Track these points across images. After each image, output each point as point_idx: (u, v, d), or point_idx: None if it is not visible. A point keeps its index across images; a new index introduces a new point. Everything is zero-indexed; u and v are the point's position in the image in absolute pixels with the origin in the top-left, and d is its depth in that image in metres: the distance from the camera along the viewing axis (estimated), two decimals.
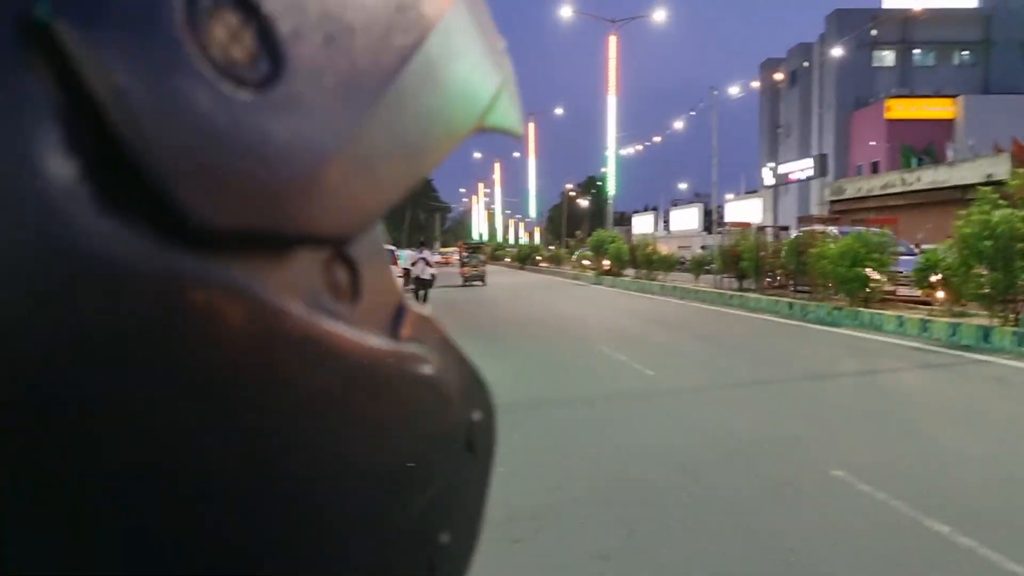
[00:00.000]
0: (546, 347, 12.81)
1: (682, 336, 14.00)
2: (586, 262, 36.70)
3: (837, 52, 59.39)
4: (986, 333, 10.50)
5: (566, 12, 32.10)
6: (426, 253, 21.49)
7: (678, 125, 43.32)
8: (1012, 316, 10.11)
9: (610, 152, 33.43)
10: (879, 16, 59.23)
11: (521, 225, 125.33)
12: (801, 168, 42.29)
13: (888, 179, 35.08)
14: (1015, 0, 60.70)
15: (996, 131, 49.09)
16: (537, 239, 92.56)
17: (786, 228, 25.29)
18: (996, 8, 59.82)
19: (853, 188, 37.36)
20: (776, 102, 73.65)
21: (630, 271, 31.88)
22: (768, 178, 46.42)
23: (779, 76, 63.83)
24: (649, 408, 7.84)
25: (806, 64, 62.37)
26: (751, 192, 62.06)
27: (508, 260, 70.81)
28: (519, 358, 11.45)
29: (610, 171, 33.77)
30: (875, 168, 52.67)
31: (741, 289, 20.61)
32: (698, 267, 24.24)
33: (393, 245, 20.38)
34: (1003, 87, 56.62)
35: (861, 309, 13.84)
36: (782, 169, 44.71)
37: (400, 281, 14.50)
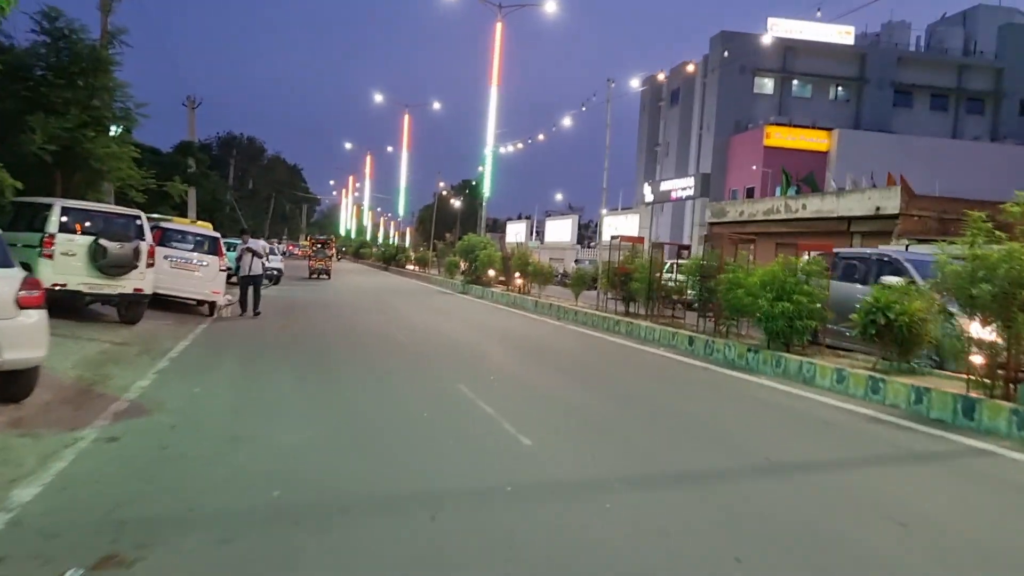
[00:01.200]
0: (385, 384, 9.39)
1: (566, 377, 10.89)
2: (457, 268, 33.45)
3: (716, 74, 59.04)
4: (969, 406, 7.91)
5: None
6: (254, 244, 17.51)
7: (565, 124, 40.95)
8: (1009, 386, 7.56)
9: (488, 149, 30.24)
10: (761, 42, 59.22)
11: (392, 224, 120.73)
12: (682, 187, 40.65)
13: (772, 204, 33.72)
14: (888, 42, 62.29)
15: (867, 166, 49.60)
16: (408, 240, 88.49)
17: (687, 247, 22.85)
18: (870, 48, 61.10)
19: (735, 211, 35.90)
20: (656, 119, 73.09)
21: (500, 282, 28.92)
22: (648, 194, 44.65)
23: (660, 77, 62.87)
24: (529, 523, 4.57)
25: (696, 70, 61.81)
26: (626, 208, 60.66)
27: (373, 259, 66.48)
28: (341, 407, 7.97)
29: (487, 170, 30.61)
30: (750, 193, 52.24)
31: (628, 313, 17.85)
32: (579, 283, 21.28)
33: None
34: (874, 124, 57.70)
35: (785, 354, 11.17)
36: (663, 187, 43.03)
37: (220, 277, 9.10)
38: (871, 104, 59.48)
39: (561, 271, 41.68)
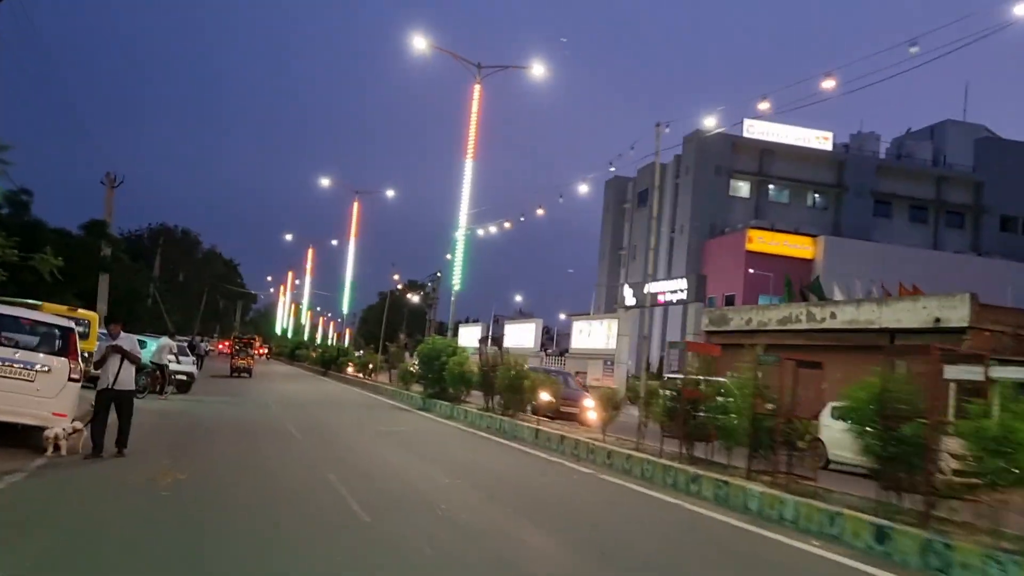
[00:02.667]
0: None
1: None
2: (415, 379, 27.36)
3: (690, 175, 55.54)
4: None
5: (419, 44, 23.82)
6: (126, 340, 11.22)
7: (514, 226, 35.94)
8: None
9: (460, 232, 24.75)
10: (737, 144, 56.19)
11: (331, 324, 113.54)
12: (671, 289, 35.53)
13: (790, 311, 28.74)
14: (866, 149, 60.01)
15: (853, 275, 45.75)
16: (347, 341, 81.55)
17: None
18: (849, 155, 58.62)
19: (740, 318, 30.88)
20: (620, 221, 69.24)
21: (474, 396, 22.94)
22: (628, 298, 39.43)
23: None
24: None
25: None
26: (603, 313, 55.56)
27: (309, 362, 59.51)
28: None
29: (458, 256, 25.02)
30: (729, 300, 47.75)
31: (700, 461, 11.84)
32: (608, 406, 14.88)
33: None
34: (854, 232, 54.35)
35: None
36: (648, 288, 37.91)
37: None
38: (850, 212, 56.48)
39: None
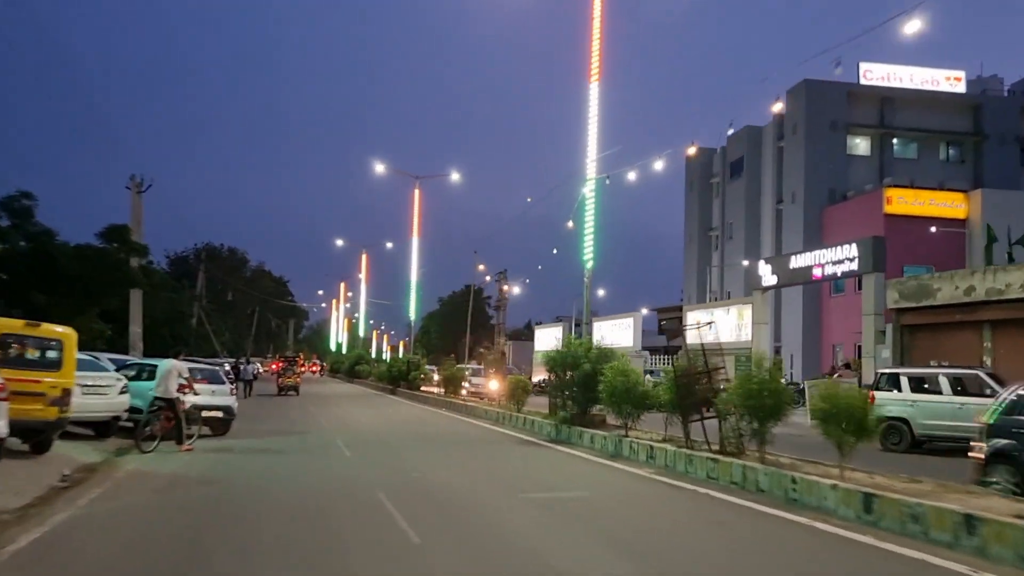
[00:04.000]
0: None
1: None
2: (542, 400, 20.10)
3: (799, 134, 47.36)
4: None
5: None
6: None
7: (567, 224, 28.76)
8: None
9: (588, 186, 17.21)
10: (853, 94, 47.83)
11: (385, 337, 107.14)
12: (834, 259, 27.65)
13: None
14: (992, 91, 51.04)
15: (1019, 231, 37.35)
16: (401, 353, 74.68)
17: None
18: (986, 97, 49.69)
19: (952, 288, 22.89)
20: (708, 199, 61.24)
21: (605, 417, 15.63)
22: (767, 276, 31.65)
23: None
24: None
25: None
26: (729, 300, 47.58)
27: (374, 378, 52.62)
28: None
29: (588, 214, 17.50)
30: None
31: None
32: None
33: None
34: (999, 185, 45.34)
35: None
36: (795, 262, 30.07)
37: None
38: (993, 163, 47.58)
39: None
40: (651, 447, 12.91)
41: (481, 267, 51.29)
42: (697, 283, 60.88)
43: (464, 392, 32.77)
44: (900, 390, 18.91)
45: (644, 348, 46.51)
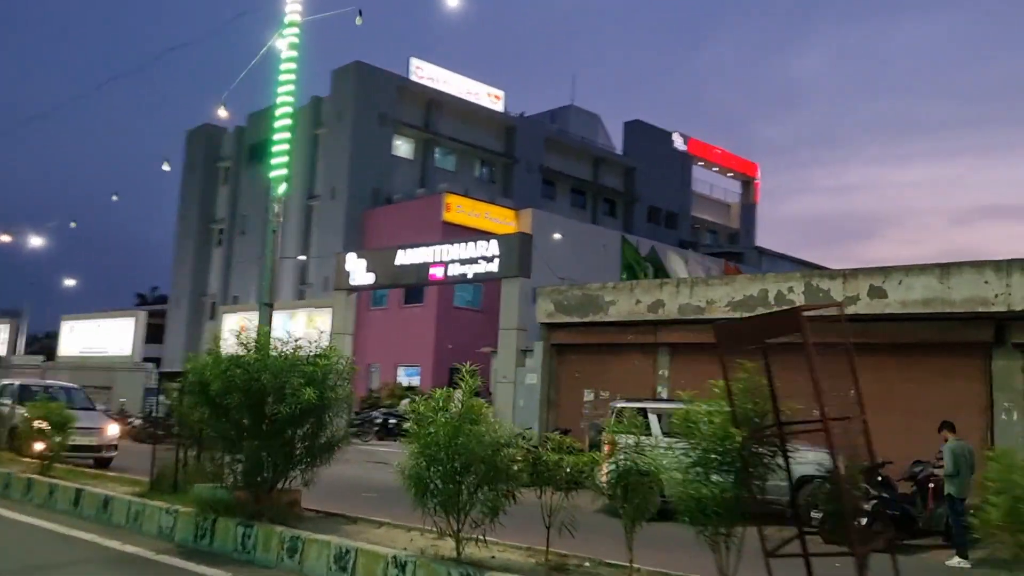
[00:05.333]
0: None
1: None
2: None
3: (347, 123, 41.23)
4: None
5: None
6: None
7: None
8: None
9: None
10: (403, 89, 43.65)
11: None
12: (465, 257, 21.94)
13: (775, 285, 17.19)
14: (538, 115, 52.10)
15: (559, 255, 36.92)
16: None
17: None
18: (522, 121, 49.84)
19: (629, 302, 18.58)
20: (213, 186, 51.22)
21: None
22: (357, 273, 24.48)
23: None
24: None
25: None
26: (301, 301, 37.79)
27: None
28: None
29: None
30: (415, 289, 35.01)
31: None
32: None
33: None
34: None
35: None
36: (401, 258, 23.40)
37: None
38: (521, 187, 47.65)
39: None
40: None
41: None
42: (193, 282, 50.15)
43: None
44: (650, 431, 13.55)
45: (148, 359, 34.94)
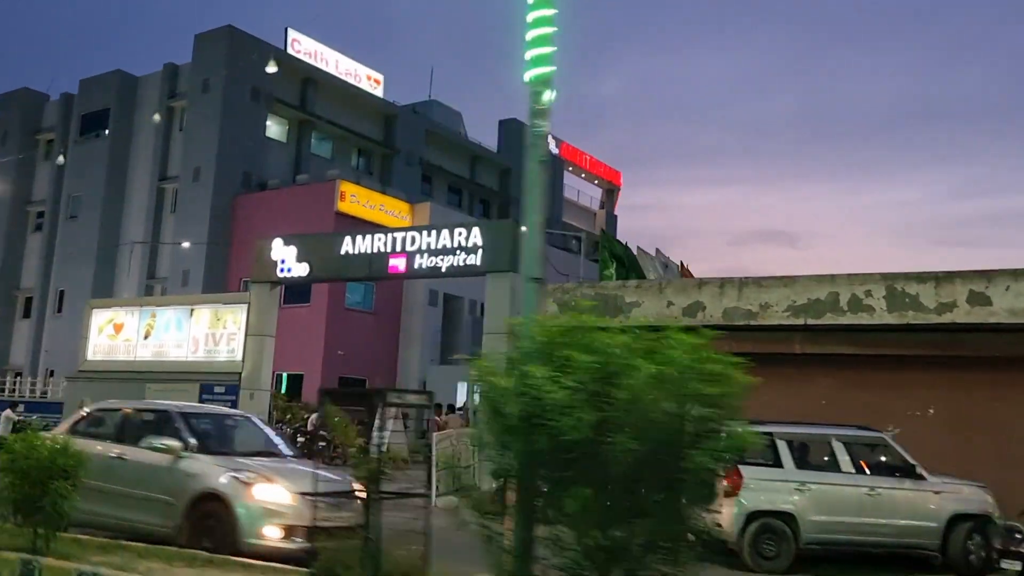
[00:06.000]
0: None
1: None
2: None
3: (217, 94, 35.81)
4: None
5: None
6: None
7: None
8: None
9: None
10: (282, 63, 38.88)
11: None
12: (439, 247, 18.69)
13: (819, 291, 15.12)
14: (422, 105, 48.48)
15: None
16: None
17: None
18: (404, 109, 46.06)
19: (658, 304, 16.14)
20: (31, 162, 43.31)
21: None
22: (292, 265, 20.37)
23: None
24: None
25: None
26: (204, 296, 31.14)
27: None
28: None
29: None
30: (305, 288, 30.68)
31: None
32: None
33: None
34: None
35: None
36: (361, 246, 19.53)
37: None
38: (400, 179, 43.91)
39: None
40: None
41: None
42: (3, 276, 42.05)
43: None
44: (780, 464, 11.31)
45: None
